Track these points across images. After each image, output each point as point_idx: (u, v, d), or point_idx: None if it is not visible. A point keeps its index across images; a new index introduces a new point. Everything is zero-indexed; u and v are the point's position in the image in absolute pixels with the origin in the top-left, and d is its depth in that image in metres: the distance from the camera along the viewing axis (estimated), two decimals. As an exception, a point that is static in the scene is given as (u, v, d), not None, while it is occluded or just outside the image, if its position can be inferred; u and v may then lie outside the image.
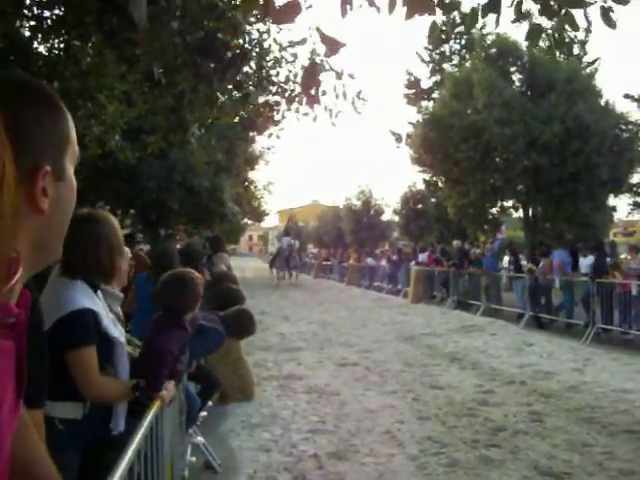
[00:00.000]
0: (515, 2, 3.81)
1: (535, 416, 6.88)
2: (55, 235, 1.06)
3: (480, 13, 3.85)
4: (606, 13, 3.58)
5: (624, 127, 26.91)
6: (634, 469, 5.28)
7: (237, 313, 5.28)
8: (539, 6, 3.75)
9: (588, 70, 29.70)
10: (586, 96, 24.90)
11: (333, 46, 3.44)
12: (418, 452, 5.78)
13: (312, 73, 3.53)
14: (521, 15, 3.94)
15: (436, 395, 7.91)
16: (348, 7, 3.53)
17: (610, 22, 3.61)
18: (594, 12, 3.67)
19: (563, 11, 3.66)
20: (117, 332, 2.97)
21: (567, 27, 3.76)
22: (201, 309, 5.32)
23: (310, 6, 3.37)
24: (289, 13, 3.30)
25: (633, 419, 6.74)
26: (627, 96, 39.76)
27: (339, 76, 3.62)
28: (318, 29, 3.38)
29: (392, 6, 3.72)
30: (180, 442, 4.23)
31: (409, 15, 3.85)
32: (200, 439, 5.37)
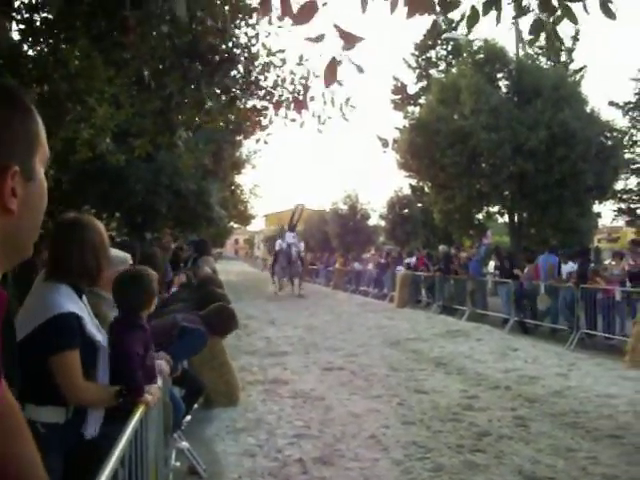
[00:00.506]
0: None
1: (519, 421, 6.91)
2: (25, 234, 1.07)
3: (481, 11, 3.87)
4: (605, 4, 3.62)
5: (609, 134, 27.11)
6: (617, 474, 5.32)
7: (217, 310, 5.26)
8: (538, 1, 3.78)
9: (574, 77, 29.94)
10: (572, 103, 25.05)
11: (351, 40, 3.47)
12: (403, 457, 5.79)
13: (332, 68, 3.54)
14: (521, 11, 3.97)
15: (421, 400, 7.92)
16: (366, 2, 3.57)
17: (609, 13, 3.65)
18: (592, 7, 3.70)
19: (561, 5, 3.69)
20: (100, 336, 2.97)
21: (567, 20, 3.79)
22: (185, 311, 5.31)
23: (325, 3, 3.39)
24: (307, 13, 3.34)
25: (617, 424, 6.79)
26: (612, 103, 40.17)
27: (360, 70, 3.62)
28: (335, 25, 3.40)
29: (394, 5, 3.75)
30: (165, 447, 4.21)
31: (410, 14, 3.89)
32: (185, 444, 5.35)
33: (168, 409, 4.41)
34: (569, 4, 3.71)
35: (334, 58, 3.54)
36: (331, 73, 3.57)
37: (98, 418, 2.96)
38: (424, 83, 37.60)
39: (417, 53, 38.66)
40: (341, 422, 6.92)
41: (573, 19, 3.77)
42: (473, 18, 3.92)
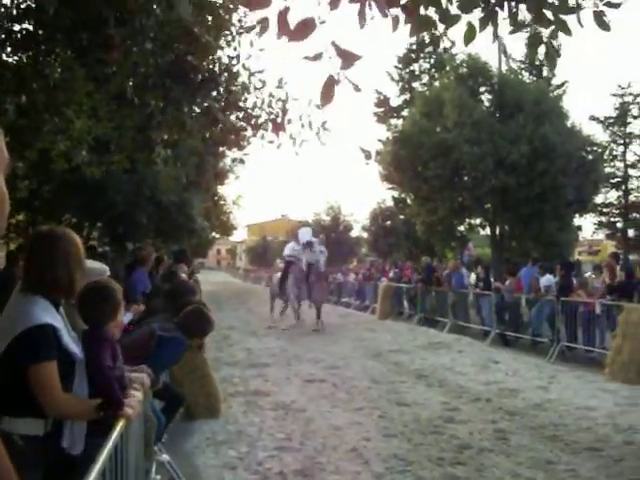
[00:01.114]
0: (511, 13, 3.88)
1: (500, 434, 6.93)
2: None
3: (478, 27, 3.90)
4: (599, 17, 3.68)
5: (589, 149, 27.47)
6: (596, 487, 5.34)
7: (191, 313, 5.22)
8: (533, 15, 3.83)
9: (556, 92, 30.31)
10: (553, 118, 25.37)
11: (349, 59, 3.45)
12: (384, 470, 5.77)
13: (329, 86, 3.51)
14: (517, 25, 4.01)
15: (402, 412, 7.92)
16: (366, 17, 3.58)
17: (604, 25, 3.71)
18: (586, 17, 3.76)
19: (556, 19, 3.75)
20: (77, 349, 2.94)
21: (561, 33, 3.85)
22: (161, 321, 5.27)
23: (324, 22, 3.38)
24: (304, 30, 3.33)
25: (596, 437, 6.82)
26: (593, 118, 40.74)
27: (357, 89, 3.62)
28: (333, 43, 3.39)
29: (395, 24, 3.78)
30: (145, 460, 4.17)
31: (413, 33, 3.93)
32: (165, 457, 5.30)
33: (150, 422, 4.37)
34: (563, 17, 3.77)
35: (332, 76, 3.50)
36: (328, 92, 3.54)
37: (79, 432, 2.92)
38: (407, 96, 37.87)
39: (400, 66, 38.94)
40: (322, 435, 6.90)
41: (567, 32, 3.82)
42: (470, 34, 3.96)
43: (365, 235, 45.42)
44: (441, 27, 4.06)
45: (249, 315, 22.29)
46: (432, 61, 37.86)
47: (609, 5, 3.66)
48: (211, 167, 20.67)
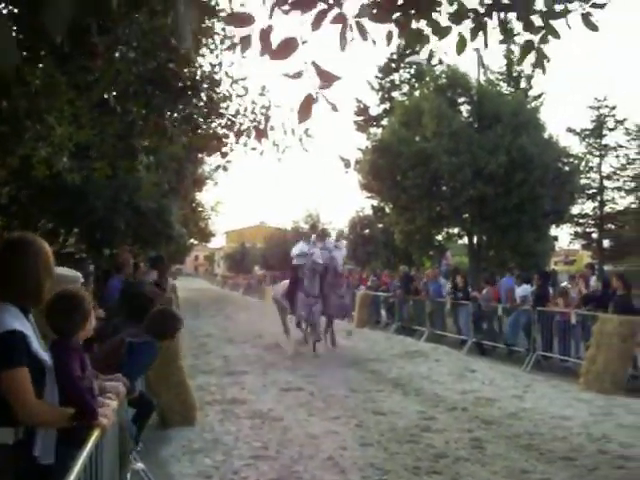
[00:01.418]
0: (500, 22, 3.94)
1: (476, 442, 6.96)
2: None
3: (469, 37, 3.95)
4: (587, 18, 3.75)
5: (566, 160, 27.80)
6: (570, 496, 5.38)
7: (157, 314, 5.19)
8: (523, 23, 3.89)
9: (533, 104, 30.62)
10: (530, 129, 25.63)
11: (328, 79, 3.48)
12: (360, 479, 5.77)
13: (307, 105, 3.54)
14: (507, 34, 4.07)
15: (379, 421, 7.93)
16: (346, 39, 3.60)
17: (592, 26, 3.79)
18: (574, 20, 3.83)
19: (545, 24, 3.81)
20: (47, 356, 2.92)
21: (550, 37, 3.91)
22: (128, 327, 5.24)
23: (305, 41, 3.40)
24: (286, 50, 3.34)
25: (571, 446, 6.88)
26: (570, 130, 41.26)
27: (335, 109, 3.65)
28: (314, 62, 3.41)
29: (389, 39, 3.83)
30: (120, 469, 4.13)
31: (407, 47, 4.00)
32: (140, 465, 5.26)
33: (126, 432, 4.33)
34: (551, 22, 3.83)
35: (310, 95, 3.54)
36: (306, 110, 3.58)
37: (50, 441, 2.89)
38: (387, 105, 38.06)
39: (380, 76, 39.15)
40: (299, 443, 6.88)
41: (556, 35, 3.89)
42: (461, 45, 4.01)
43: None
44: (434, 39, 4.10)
45: (227, 322, 22.19)
46: (412, 71, 38.13)
47: (594, 6, 3.74)
48: (190, 174, 20.61)
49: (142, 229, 18.36)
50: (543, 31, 3.88)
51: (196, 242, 49.71)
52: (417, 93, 30.84)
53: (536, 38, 4.01)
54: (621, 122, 41.72)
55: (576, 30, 4.01)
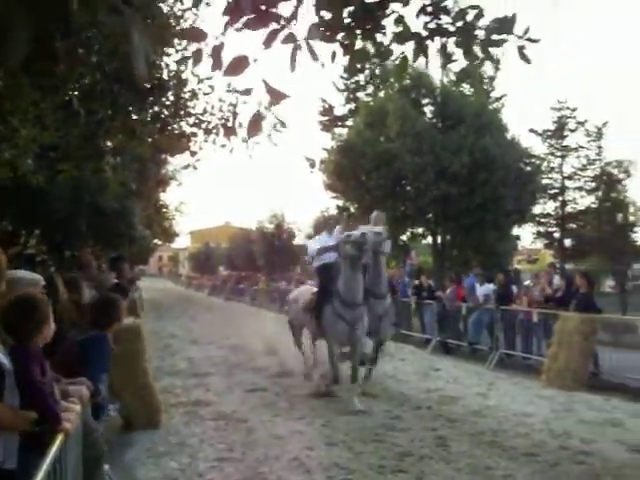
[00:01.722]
0: (442, 47, 3.99)
1: (440, 441, 7.02)
2: None
3: (412, 57, 4.00)
4: (521, 51, 3.82)
5: (528, 161, 28.21)
6: (533, 492, 5.46)
7: (96, 304, 5.11)
8: (463, 51, 3.95)
9: (495, 105, 30.99)
10: (493, 130, 25.96)
11: (277, 97, 3.51)
12: (325, 479, 5.78)
13: (256, 122, 3.59)
14: (447, 58, 4.12)
15: (344, 421, 7.94)
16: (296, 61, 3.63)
17: (526, 58, 3.86)
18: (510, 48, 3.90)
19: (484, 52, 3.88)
20: (6, 360, 2.88)
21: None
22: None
23: (256, 60, 3.42)
24: (238, 67, 3.36)
25: (532, 442, 6.98)
26: (532, 131, 41.84)
27: (283, 124, 3.71)
28: (264, 80, 3.44)
29: (333, 57, 3.86)
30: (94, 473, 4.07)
31: (350, 65, 4.05)
32: (105, 466, 5.18)
33: (94, 435, 4.25)
34: (490, 50, 3.90)
35: (258, 112, 3.60)
36: (255, 126, 3.63)
37: (11, 445, 2.84)
38: (352, 105, 38.14)
39: (346, 76, 39.21)
40: (264, 444, 6.85)
41: (494, 61, 3.97)
42: (402, 67, 4.06)
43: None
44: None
45: (191, 323, 22.03)
46: (377, 72, 38.26)
47: (530, 40, 3.82)
48: (153, 174, 20.41)
49: (104, 230, 18.12)
50: (482, 56, 3.96)
51: (160, 242, 49.21)
52: (382, 94, 31.01)
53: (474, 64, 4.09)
54: (582, 123, 42.41)
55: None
